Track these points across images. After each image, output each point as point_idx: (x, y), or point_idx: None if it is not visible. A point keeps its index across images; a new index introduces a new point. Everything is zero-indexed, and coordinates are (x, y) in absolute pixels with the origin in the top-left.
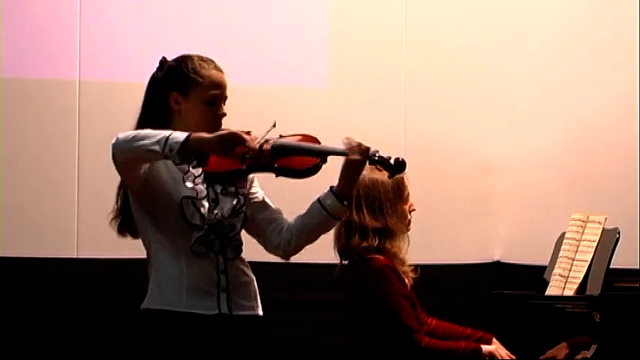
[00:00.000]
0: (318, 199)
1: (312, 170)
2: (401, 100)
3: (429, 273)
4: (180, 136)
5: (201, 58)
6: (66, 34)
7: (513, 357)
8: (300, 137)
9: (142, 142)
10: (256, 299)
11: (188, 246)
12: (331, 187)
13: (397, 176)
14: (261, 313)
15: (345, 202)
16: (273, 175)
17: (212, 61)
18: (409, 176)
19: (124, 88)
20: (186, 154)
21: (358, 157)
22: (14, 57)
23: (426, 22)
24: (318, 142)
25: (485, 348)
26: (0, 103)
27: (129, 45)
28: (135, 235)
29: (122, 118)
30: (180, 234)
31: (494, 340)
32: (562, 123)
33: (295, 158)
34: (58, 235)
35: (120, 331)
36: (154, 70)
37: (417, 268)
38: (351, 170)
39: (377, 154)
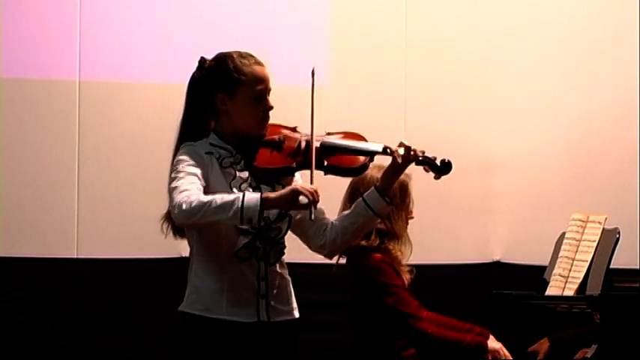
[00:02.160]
0: (363, 198)
1: (361, 169)
2: (401, 99)
3: (429, 273)
4: (252, 204)
5: (241, 55)
6: (66, 34)
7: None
8: (345, 135)
9: (213, 216)
10: (293, 301)
11: (232, 251)
12: (375, 186)
13: (404, 181)
14: (297, 315)
15: (387, 200)
16: (322, 173)
17: (252, 56)
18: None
19: (124, 88)
20: (261, 218)
21: (403, 156)
22: (14, 57)
23: (426, 22)
24: (364, 139)
25: (490, 344)
26: (0, 103)
27: (129, 45)
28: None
29: (122, 118)
30: (227, 239)
31: (491, 336)
32: (562, 123)
33: (344, 157)
34: (58, 235)
35: (120, 331)
36: (195, 70)
37: (412, 268)
38: (394, 169)
39: (423, 154)
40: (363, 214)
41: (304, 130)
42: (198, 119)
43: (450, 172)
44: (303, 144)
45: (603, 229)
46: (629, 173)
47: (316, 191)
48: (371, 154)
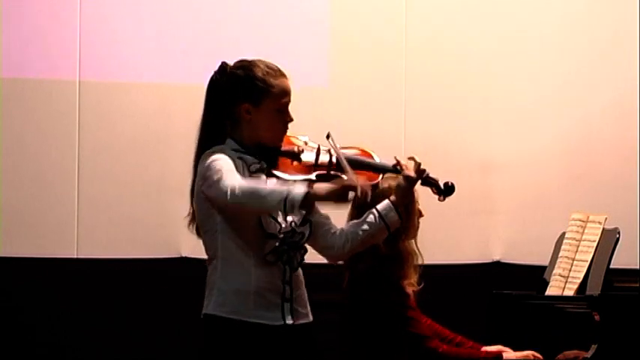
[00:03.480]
0: (377, 210)
1: (374, 187)
2: (401, 99)
3: (429, 273)
4: (297, 194)
5: (267, 66)
6: (66, 34)
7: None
8: (358, 151)
9: (262, 202)
10: (308, 304)
11: (260, 255)
12: (389, 199)
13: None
14: (311, 317)
15: (399, 214)
16: None
17: (277, 67)
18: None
19: (124, 88)
20: (304, 209)
21: (413, 175)
22: (14, 57)
23: (426, 22)
24: (373, 157)
25: (506, 356)
26: (0, 103)
27: (129, 45)
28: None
29: (122, 118)
30: (254, 243)
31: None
32: (562, 123)
33: (359, 172)
34: (58, 235)
35: (120, 331)
36: (214, 73)
37: (420, 280)
38: (405, 186)
39: (428, 175)
40: (375, 223)
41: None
42: (218, 123)
43: (453, 194)
44: (320, 157)
45: (603, 229)
46: (629, 173)
47: (368, 187)
48: (383, 172)
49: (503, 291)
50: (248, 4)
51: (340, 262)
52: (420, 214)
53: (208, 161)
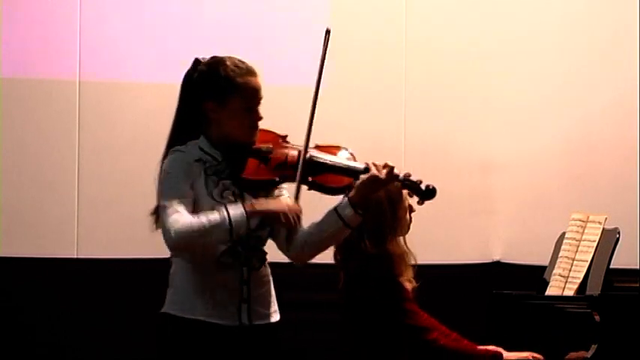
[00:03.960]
0: (335, 208)
1: (344, 189)
2: (401, 100)
3: (429, 273)
4: (240, 218)
5: (235, 64)
6: (66, 34)
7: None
8: (334, 149)
9: (208, 238)
10: (274, 304)
11: (215, 256)
12: (348, 197)
13: (394, 196)
14: (278, 317)
15: (359, 212)
16: (306, 188)
17: (246, 65)
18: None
19: (124, 88)
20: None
21: (382, 176)
22: (14, 57)
23: (426, 22)
24: (354, 159)
25: (507, 355)
26: (0, 103)
27: (129, 45)
28: None
29: (122, 118)
30: None
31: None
32: (562, 123)
33: (330, 176)
34: (58, 235)
35: (120, 331)
36: (189, 68)
37: (417, 277)
38: (370, 185)
39: (408, 178)
40: (334, 224)
41: (294, 136)
42: (191, 119)
43: (434, 199)
44: (289, 158)
45: (603, 229)
46: (629, 173)
47: (299, 214)
48: (356, 175)
49: (503, 291)
50: (248, 4)
51: (305, 263)
52: (411, 210)
53: (162, 168)
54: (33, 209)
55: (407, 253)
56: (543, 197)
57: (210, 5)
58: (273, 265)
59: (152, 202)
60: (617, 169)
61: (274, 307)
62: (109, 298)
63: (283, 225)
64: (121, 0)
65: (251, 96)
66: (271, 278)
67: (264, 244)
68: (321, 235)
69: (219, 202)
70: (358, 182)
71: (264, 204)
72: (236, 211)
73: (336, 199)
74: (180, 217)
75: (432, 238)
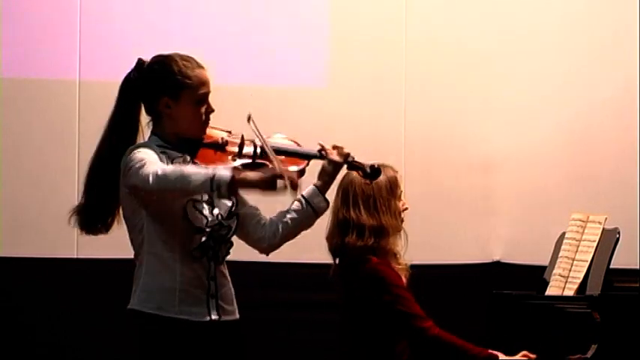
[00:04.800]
0: (303, 196)
1: (300, 173)
2: (400, 99)
3: (429, 273)
4: (224, 175)
5: (183, 58)
6: (66, 34)
7: None
8: (283, 138)
9: (187, 182)
10: (235, 302)
11: (185, 250)
12: (314, 184)
13: (391, 175)
14: (238, 315)
15: (326, 198)
16: None
17: (193, 59)
18: (410, 176)
19: None
20: (231, 192)
21: (339, 159)
22: (14, 57)
23: (425, 21)
24: (299, 145)
25: (502, 358)
26: (0, 103)
27: (129, 45)
28: (107, 231)
29: None
30: (180, 238)
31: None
32: (562, 122)
33: (286, 160)
34: (58, 235)
35: (120, 331)
36: (130, 70)
37: (407, 267)
38: (331, 170)
39: (354, 159)
40: (302, 210)
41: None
42: (130, 121)
43: (378, 178)
44: (245, 148)
45: (603, 229)
46: (629, 173)
47: (294, 176)
48: (308, 158)
49: (503, 291)
50: (248, 4)
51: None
52: (404, 208)
53: (130, 155)
54: (33, 209)
55: (400, 227)
56: (543, 197)
57: (210, 5)
58: (269, 264)
59: None
60: (617, 169)
61: (235, 304)
62: (109, 298)
63: (278, 191)
64: (120, 0)
65: (202, 88)
66: (229, 277)
67: (232, 236)
68: (292, 222)
69: None
70: (320, 169)
71: (252, 173)
72: (223, 170)
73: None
74: (161, 165)
75: (432, 238)
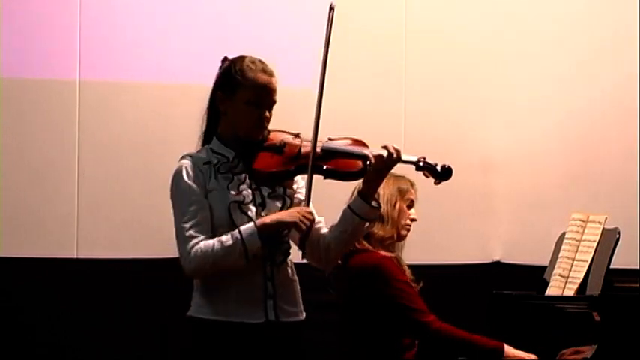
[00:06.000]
0: (349, 206)
1: (360, 173)
2: (400, 99)
3: (429, 273)
4: (251, 236)
5: (252, 60)
6: (66, 34)
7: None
8: (349, 141)
9: (223, 264)
10: (300, 302)
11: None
12: (358, 191)
13: (402, 183)
14: (303, 316)
15: (373, 203)
16: (322, 177)
17: (262, 64)
18: (410, 177)
19: (124, 88)
20: (266, 241)
21: (387, 161)
22: (14, 57)
23: (425, 21)
24: (366, 146)
25: (508, 349)
26: (0, 103)
27: (129, 45)
28: None
29: (122, 118)
30: None
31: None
32: (562, 123)
33: (343, 161)
34: (58, 235)
35: (120, 331)
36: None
37: (423, 272)
38: (375, 172)
39: (424, 160)
40: (350, 221)
41: (305, 135)
42: (211, 118)
43: (451, 178)
44: (303, 149)
45: (603, 229)
46: (629, 173)
47: (310, 218)
48: (368, 159)
49: (503, 291)
50: (248, 4)
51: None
52: (412, 219)
53: (172, 191)
54: (33, 209)
55: (400, 225)
56: (543, 197)
57: (209, 5)
58: None
59: (152, 202)
60: (617, 169)
61: (300, 305)
62: (109, 298)
63: (298, 231)
64: (121, 0)
65: (258, 91)
66: (296, 278)
67: (287, 237)
68: (342, 236)
69: (236, 196)
70: (367, 173)
71: (273, 216)
72: (247, 230)
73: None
74: (195, 244)
75: (432, 238)
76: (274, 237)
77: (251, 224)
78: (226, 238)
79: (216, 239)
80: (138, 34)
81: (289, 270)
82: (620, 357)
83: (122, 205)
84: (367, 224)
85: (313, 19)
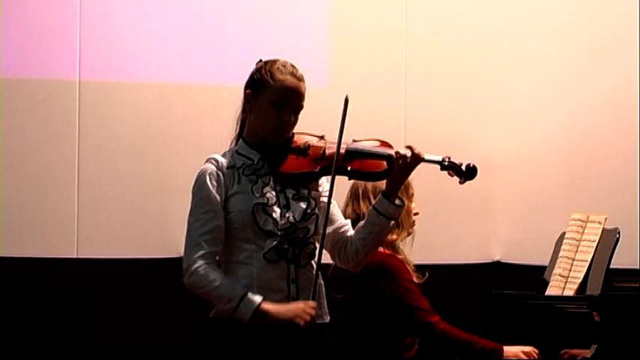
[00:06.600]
0: (374, 207)
1: (384, 174)
2: (400, 99)
3: (429, 273)
4: (248, 309)
5: (282, 63)
6: (66, 34)
7: None
8: (374, 142)
9: (210, 300)
10: (324, 304)
11: (261, 254)
12: (381, 191)
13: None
14: (328, 319)
15: (396, 202)
16: (346, 178)
17: (293, 68)
18: (410, 177)
19: (124, 88)
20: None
21: (408, 161)
22: (14, 57)
23: (425, 21)
24: (391, 146)
25: (507, 349)
26: (0, 103)
27: (129, 45)
28: None
29: (122, 118)
30: (254, 242)
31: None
32: (562, 123)
33: (367, 162)
34: (58, 235)
35: (120, 331)
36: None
37: (424, 272)
38: (398, 172)
39: (449, 160)
40: (377, 222)
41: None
42: (243, 118)
43: (475, 177)
44: (327, 151)
45: (603, 229)
46: (629, 173)
47: (312, 314)
48: (388, 159)
49: (503, 291)
50: (248, 4)
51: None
52: (415, 212)
53: (193, 190)
54: (33, 209)
55: (411, 225)
56: (543, 197)
57: (209, 5)
58: None
59: (152, 202)
60: (617, 169)
61: (325, 307)
62: (109, 298)
63: (298, 327)
64: (120, 0)
65: (283, 93)
66: (322, 282)
67: (312, 237)
68: (369, 237)
69: (260, 197)
70: (394, 171)
71: (278, 309)
72: (250, 300)
73: None
74: (200, 259)
75: (432, 238)
76: (301, 236)
77: (258, 300)
78: (229, 287)
79: (221, 277)
80: (138, 34)
81: (314, 272)
82: (620, 357)
83: (122, 205)
84: (393, 223)
85: (314, 18)
